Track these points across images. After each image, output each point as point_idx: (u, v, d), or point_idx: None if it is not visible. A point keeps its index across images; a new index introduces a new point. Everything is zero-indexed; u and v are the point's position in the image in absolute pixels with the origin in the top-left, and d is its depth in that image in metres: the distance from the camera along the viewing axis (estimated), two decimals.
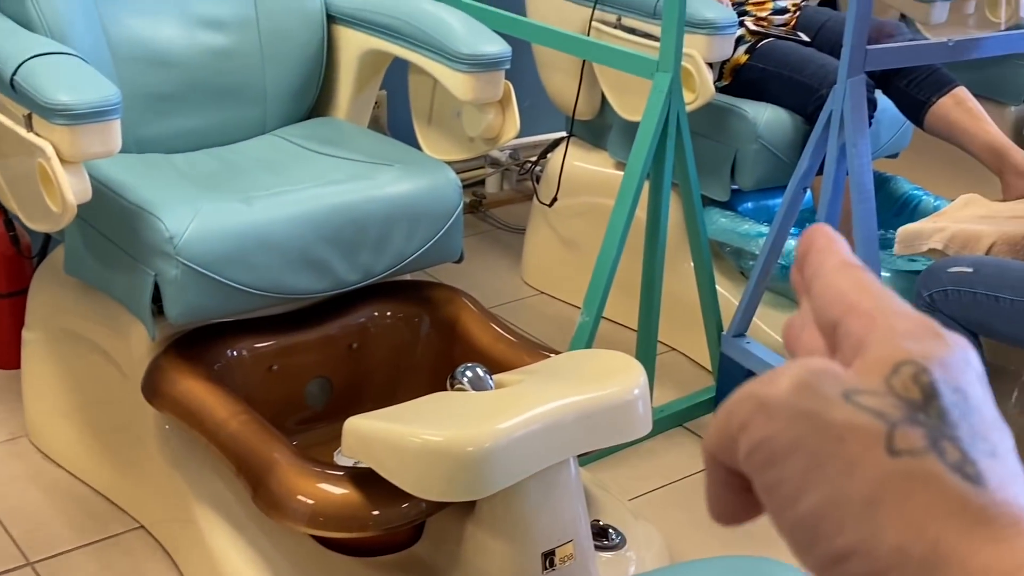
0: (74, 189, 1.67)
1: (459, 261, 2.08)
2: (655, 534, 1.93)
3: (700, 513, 2.16)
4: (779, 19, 2.68)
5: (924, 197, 2.71)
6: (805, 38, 2.65)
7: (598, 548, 1.79)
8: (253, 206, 1.83)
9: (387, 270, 1.96)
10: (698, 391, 2.48)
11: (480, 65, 2.00)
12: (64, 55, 1.77)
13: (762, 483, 0.36)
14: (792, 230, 2.28)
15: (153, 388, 1.82)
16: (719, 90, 2.50)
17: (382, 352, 2.03)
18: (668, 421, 2.37)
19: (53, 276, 2.12)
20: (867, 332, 0.37)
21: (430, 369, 2.01)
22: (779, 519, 0.36)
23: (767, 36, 2.60)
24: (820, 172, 2.13)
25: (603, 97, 2.67)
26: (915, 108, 2.59)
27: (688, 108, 2.25)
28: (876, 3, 2.24)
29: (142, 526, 2.03)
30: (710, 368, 2.51)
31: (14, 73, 1.71)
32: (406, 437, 1.53)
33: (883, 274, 2.30)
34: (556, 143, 2.97)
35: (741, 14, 2.60)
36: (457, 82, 2.02)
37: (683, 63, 2.19)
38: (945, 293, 1.91)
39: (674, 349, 2.67)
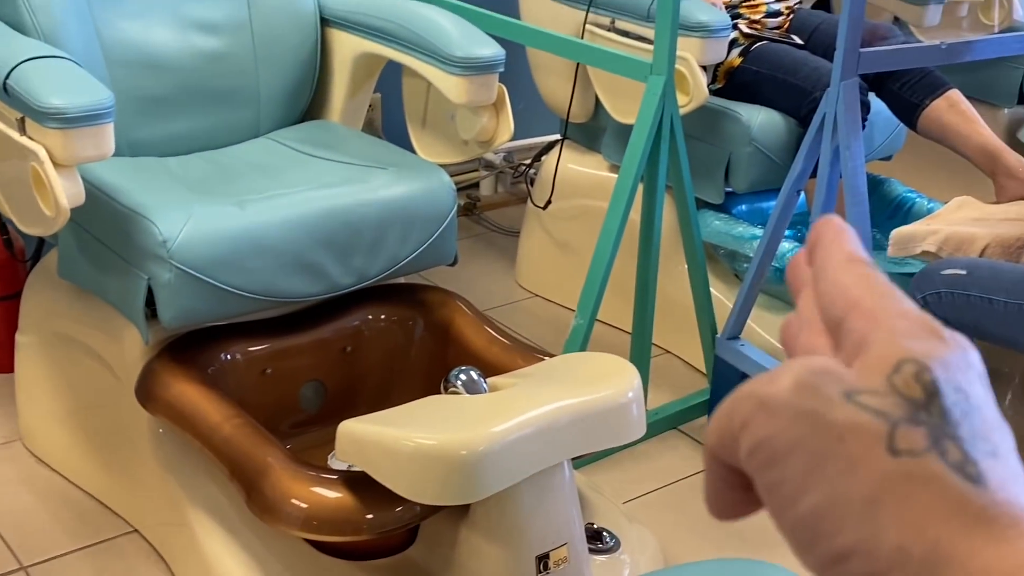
0: (67, 193, 1.66)
1: (453, 264, 2.08)
2: (649, 537, 1.93)
3: (694, 516, 2.18)
4: (772, 22, 2.68)
5: (918, 200, 2.71)
6: (799, 41, 2.66)
7: (592, 551, 1.79)
8: (247, 209, 1.83)
9: (381, 273, 1.96)
10: (692, 393, 2.48)
11: (474, 68, 2.00)
12: (57, 58, 1.77)
13: (763, 482, 0.36)
14: (786, 232, 2.28)
15: (147, 392, 1.82)
16: (713, 93, 2.50)
17: (376, 355, 2.03)
18: (662, 424, 2.37)
19: (47, 280, 2.11)
20: (869, 331, 0.37)
21: (424, 372, 2.01)
22: (780, 518, 0.36)
23: (761, 39, 2.60)
24: (814, 175, 2.13)
25: (597, 100, 2.67)
26: (908, 111, 2.59)
27: (682, 111, 2.26)
28: (869, 6, 2.24)
29: (136, 530, 2.03)
30: (704, 371, 2.51)
31: (7, 77, 1.71)
32: (400, 441, 1.53)
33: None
34: (550, 146, 2.97)
35: (735, 17, 2.60)
36: (451, 85, 2.02)
37: (677, 66, 2.20)
38: (939, 295, 1.91)
39: (668, 352, 2.67)
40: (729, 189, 2.56)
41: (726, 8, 2.59)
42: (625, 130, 2.33)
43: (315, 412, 2.00)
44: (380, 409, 1.67)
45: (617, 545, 1.86)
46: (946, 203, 2.40)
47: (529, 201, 2.93)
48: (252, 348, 1.91)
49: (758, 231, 2.43)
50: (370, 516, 1.57)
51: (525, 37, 2.50)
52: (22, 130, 1.70)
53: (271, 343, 1.93)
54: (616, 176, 2.21)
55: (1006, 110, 3.20)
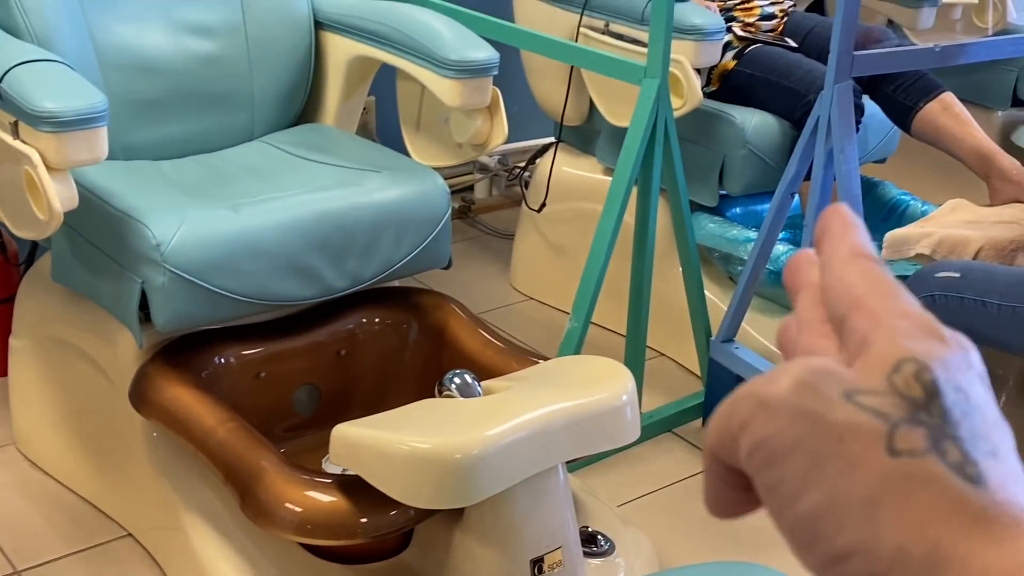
0: (60, 196, 1.66)
1: (448, 267, 2.07)
2: (644, 540, 1.93)
3: (689, 519, 2.18)
4: (766, 25, 2.69)
5: (911, 202, 2.71)
6: (792, 44, 2.66)
7: (587, 555, 1.79)
8: (241, 213, 1.83)
9: (375, 277, 1.96)
10: (687, 396, 2.48)
11: (468, 71, 2.00)
12: (50, 62, 1.76)
13: (762, 482, 0.36)
14: (780, 235, 2.28)
15: (141, 396, 1.81)
16: (707, 96, 2.50)
17: (370, 359, 2.03)
18: (657, 427, 2.37)
19: (40, 283, 2.11)
20: (871, 330, 0.37)
21: (418, 376, 2.00)
22: (779, 518, 0.36)
23: (755, 42, 2.61)
24: (808, 177, 2.13)
25: (591, 103, 2.67)
26: (902, 113, 2.60)
27: (676, 114, 2.26)
28: (863, 9, 2.24)
29: (130, 534, 2.02)
30: (699, 373, 2.51)
31: (0, 80, 1.70)
32: (394, 444, 1.53)
33: None
34: (545, 149, 2.97)
35: (729, 20, 2.61)
36: (445, 88, 2.02)
37: (671, 69, 2.20)
38: (932, 298, 1.91)
39: (663, 354, 2.67)
40: (723, 192, 2.56)
41: (720, 11, 2.59)
42: (619, 133, 2.33)
43: (309, 416, 1.99)
44: (374, 412, 1.67)
45: (612, 548, 1.86)
46: (940, 206, 2.41)
47: (523, 204, 2.93)
48: (246, 352, 1.91)
49: (752, 234, 2.43)
50: (364, 520, 1.57)
51: (519, 40, 2.50)
52: (15, 134, 1.70)
53: (265, 347, 1.93)
54: (610, 179, 2.21)
55: (1000, 113, 3.20)
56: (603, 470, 2.24)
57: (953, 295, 1.89)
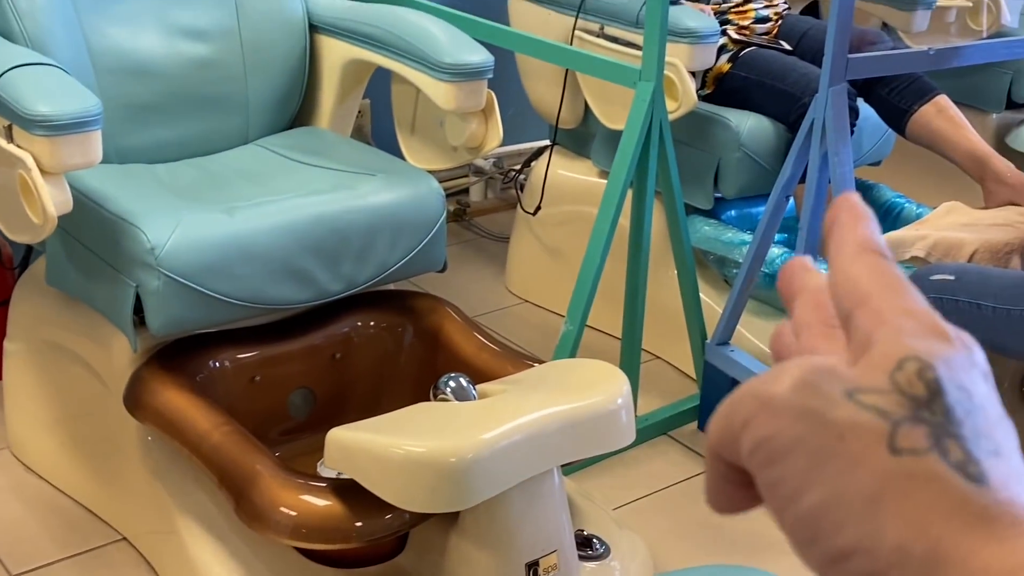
0: (55, 200, 1.66)
1: (443, 270, 2.07)
2: (639, 543, 1.93)
3: (685, 522, 2.17)
4: (761, 28, 2.69)
5: (906, 205, 2.72)
6: (787, 47, 2.66)
7: (582, 558, 1.79)
8: (235, 216, 1.83)
9: (370, 280, 1.96)
10: (682, 399, 2.48)
11: (463, 74, 2.00)
12: (45, 66, 1.76)
13: (764, 481, 0.36)
14: (775, 238, 2.28)
15: (135, 400, 1.81)
16: (702, 99, 2.50)
17: (365, 362, 2.03)
18: (652, 430, 2.37)
19: (35, 287, 2.11)
20: (875, 328, 0.37)
21: (413, 379, 2.00)
22: (780, 517, 0.36)
23: (749, 45, 2.61)
24: (803, 180, 2.14)
25: (586, 106, 2.67)
26: (897, 116, 2.60)
27: (671, 117, 2.26)
28: (857, 11, 2.25)
29: (125, 538, 2.02)
30: (694, 376, 2.51)
31: None
32: (389, 448, 1.53)
33: None
34: (540, 151, 2.97)
35: (723, 23, 2.61)
36: (440, 91, 2.02)
37: (666, 72, 2.20)
38: (927, 301, 1.91)
39: (658, 357, 2.67)
40: (718, 195, 2.56)
41: (714, 14, 2.59)
42: (614, 136, 2.33)
43: (304, 419, 1.99)
44: (369, 416, 1.67)
45: (607, 552, 1.85)
46: (935, 208, 2.41)
47: (519, 207, 2.93)
48: (241, 355, 1.91)
49: (747, 237, 2.43)
50: (359, 524, 1.56)
51: (514, 43, 2.50)
52: (9, 137, 1.70)
53: (260, 350, 1.93)
54: (605, 182, 2.21)
55: (994, 115, 3.21)
56: (598, 473, 2.24)
57: (948, 298, 1.89)
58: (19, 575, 1.95)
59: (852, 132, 2.35)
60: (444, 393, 1.69)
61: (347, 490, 1.57)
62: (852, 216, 0.40)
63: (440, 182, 2.05)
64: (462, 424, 1.58)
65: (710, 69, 2.52)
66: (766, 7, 2.72)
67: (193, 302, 1.76)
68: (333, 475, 1.66)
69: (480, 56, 2.02)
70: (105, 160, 1.74)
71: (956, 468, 0.34)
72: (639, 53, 2.17)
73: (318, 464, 1.79)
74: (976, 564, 0.32)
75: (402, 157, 2.25)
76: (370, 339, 2.03)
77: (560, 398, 1.64)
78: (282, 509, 1.56)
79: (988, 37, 2.91)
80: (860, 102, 2.55)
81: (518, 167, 3.19)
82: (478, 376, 1.79)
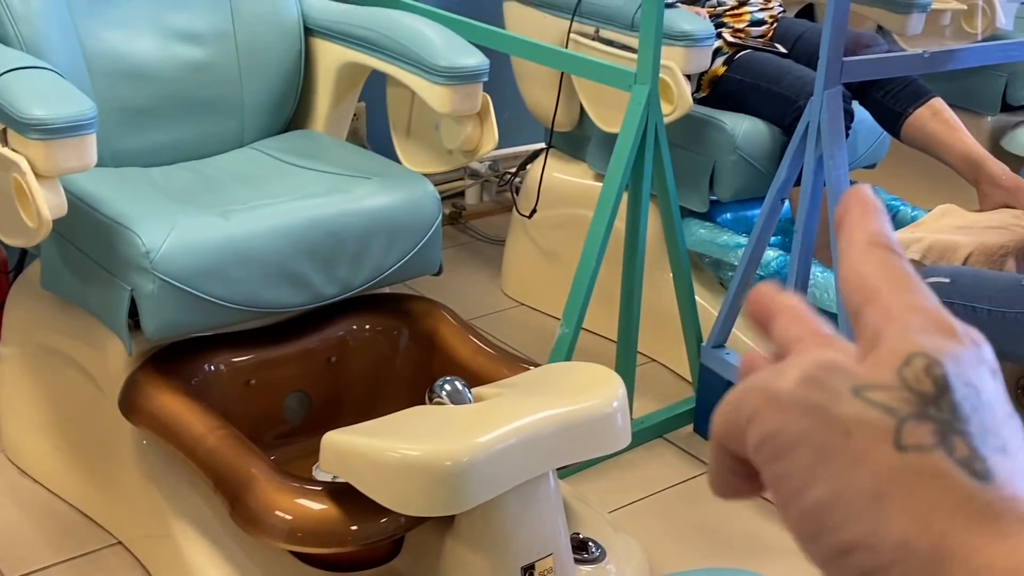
0: (50, 204, 1.66)
1: (438, 274, 2.07)
2: (635, 547, 1.93)
3: (681, 525, 2.17)
4: (756, 31, 2.69)
5: (901, 208, 2.72)
6: (782, 50, 2.66)
7: (578, 561, 1.79)
8: (230, 220, 1.82)
9: (365, 283, 1.95)
10: (678, 402, 2.48)
11: (458, 78, 2.00)
12: (40, 69, 1.76)
13: (770, 475, 0.36)
14: (771, 240, 2.28)
15: (130, 403, 1.81)
16: (697, 102, 2.50)
17: (361, 366, 2.02)
18: (648, 433, 2.37)
19: (30, 291, 2.10)
20: (884, 325, 0.37)
21: (409, 382, 2.00)
22: (786, 510, 0.36)
23: (744, 48, 2.61)
24: (798, 183, 2.14)
25: (582, 109, 2.68)
26: (892, 119, 2.60)
27: (666, 120, 2.26)
28: (853, 15, 2.25)
29: (120, 542, 2.02)
30: (690, 379, 2.51)
31: None
32: (384, 452, 1.52)
33: None
34: (535, 155, 2.97)
35: (718, 26, 2.61)
36: (435, 95, 2.02)
37: (661, 75, 2.20)
38: None
39: (654, 360, 2.67)
40: (714, 197, 2.57)
41: (710, 17, 2.59)
42: (610, 139, 2.33)
43: (299, 423, 1.99)
44: (365, 419, 1.67)
45: (603, 555, 1.85)
46: (930, 211, 2.41)
47: (514, 210, 2.93)
48: (236, 359, 1.91)
49: (743, 239, 2.43)
50: (355, 528, 1.56)
51: (509, 46, 2.50)
52: (3, 141, 1.70)
53: (255, 354, 1.93)
54: (601, 185, 2.21)
55: (989, 118, 3.21)
56: (594, 476, 2.24)
57: (943, 300, 1.88)
58: None
59: (847, 135, 2.36)
60: (439, 396, 1.69)
61: (342, 494, 1.57)
62: (862, 210, 0.40)
63: (436, 185, 2.05)
64: (458, 428, 1.58)
65: (705, 72, 2.53)
66: (761, 10, 2.72)
67: (188, 306, 1.76)
68: (328, 479, 1.65)
69: (475, 59, 2.02)
70: (100, 163, 1.74)
71: (961, 465, 0.34)
72: (634, 56, 2.18)
73: (313, 468, 1.79)
74: (980, 561, 0.32)
75: (398, 160, 2.25)
76: (365, 342, 2.03)
77: (556, 401, 1.64)
78: (277, 513, 1.56)
79: (983, 40, 2.91)
80: (855, 105, 2.55)
81: (514, 170, 3.19)
82: (473, 379, 1.79)
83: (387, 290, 2.10)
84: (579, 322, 2.19)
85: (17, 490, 2.16)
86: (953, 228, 2.26)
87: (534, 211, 2.80)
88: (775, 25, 2.74)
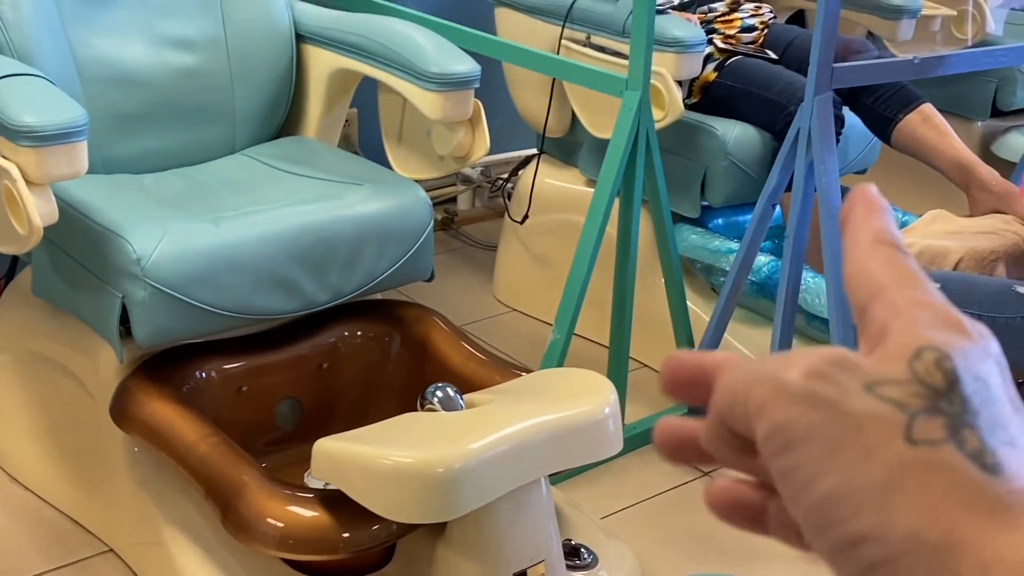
0: (40, 211, 1.65)
1: (430, 280, 2.07)
2: (628, 553, 1.93)
3: (673, 531, 2.16)
4: (747, 37, 2.70)
5: (892, 213, 2.72)
6: (773, 56, 2.67)
7: (570, 568, 1.79)
8: (222, 226, 1.82)
9: (357, 290, 1.95)
10: (670, 408, 2.47)
11: (449, 84, 2.00)
12: (31, 76, 1.76)
13: (778, 467, 0.36)
14: (762, 245, 2.29)
15: (121, 410, 1.80)
16: (688, 107, 2.51)
17: (352, 372, 2.02)
18: (640, 438, 2.37)
19: (21, 298, 2.10)
20: (891, 320, 0.37)
21: (401, 389, 2.00)
22: (794, 503, 0.36)
23: (735, 54, 2.62)
24: (789, 188, 2.14)
25: (573, 115, 2.68)
26: (882, 125, 2.61)
27: (657, 125, 2.26)
28: (843, 20, 2.25)
29: (111, 549, 2.01)
30: None
31: None
32: (376, 459, 1.52)
33: None
34: (527, 160, 2.97)
35: (709, 32, 2.61)
36: (426, 101, 2.02)
37: (652, 81, 2.20)
38: None
39: (646, 365, 2.67)
40: (705, 203, 2.57)
41: (701, 23, 2.60)
42: (601, 145, 2.33)
43: (291, 429, 1.99)
44: (357, 426, 1.67)
45: (595, 561, 1.85)
46: (920, 216, 2.42)
47: (506, 215, 2.93)
48: (227, 366, 1.90)
49: (734, 245, 2.43)
50: (346, 535, 1.56)
51: (501, 53, 2.51)
52: None
53: (247, 360, 1.92)
54: (593, 190, 2.22)
55: (979, 123, 3.22)
56: (586, 482, 2.24)
57: None
58: None
59: (838, 141, 2.36)
60: (431, 403, 1.69)
61: (334, 501, 1.57)
62: (867, 208, 0.41)
63: (427, 191, 2.05)
64: (449, 434, 1.58)
65: (696, 78, 2.53)
66: (752, 16, 2.72)
67: (179, 312, 1.76)
68: (320, 486, 1.65)
69: (467, 65, 2.02)
70: (91, 170, 1.74)
71: (971, 458, 0.34)
72: (626, 62, 2.18)
73: (305, 475, 1.79)
74: (989, 553, 0.32)
75: (389, 166, 2.25)
76: (357, 349, 2.03)
77: (547, 408, 1.64)
78: (269, 520, 1.56)
79: (973, 46, 2.92)
80: (845, 111, 2.56)
81: (505, 176, 3.20)
82: (465, 386, 1.79)
83: (379, 296, 2.10)
84: (571, 328, 2.19)
85: (8, 497, 2.15)
86: (943, 233, 2.26)
87: (526, 217, 2.81)
88: (766, 31, 2.74)
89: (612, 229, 2.24)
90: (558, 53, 2.55)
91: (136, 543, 1.93)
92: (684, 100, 2.39)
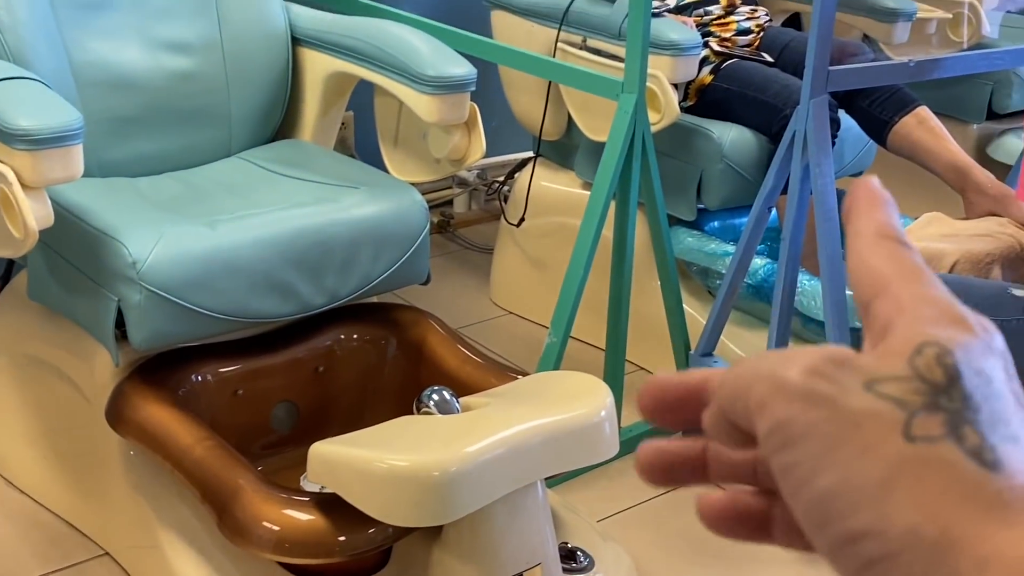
0: (36, 215, 1.65)
1: (426, 283, 2.07)
2: (624, 556, 1.93)
3: (669, 534, 2.16)
4: (743, 40, 2.70)
5: (894, 205, 2.72)
6: (769, 59, 2.67)
7: (567, 571, 1.79)
8: (217, 230, 1.82)
9: (353, 293, 1.95)
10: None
11: (445, 87, 2.00)
12: (26, 80, 1.76)
13: (778, 464, 0.37)
14: (758, 248, 2.29)
15: (117, 414, 1.80)
16: (684, 110, 2.51)
17: (348, 375, 2.02)
18: (636, 441, 2.36)
19: (16, 301, 2.10)
20: (894, 316, 0.37)
21: (397, 392, 2.00)
22: (793, 499, 0.36)
23: (731, 57, 2.62)
24: (785, 191, 2.14)
25: (569, 118, 2.68)
26: (878, 127, 2.61)
27: (653, 128, 2.26)
28: (838, 23, 2.26)
29: (107, 553, 2.01)
30: None
31: None
32: (372, 462, 1.52)
33: (848, 292, 2.31)
34: (523, 163, 2.97)
35: (705, 35, 2.62)
36: (423, 104, 2.02)
37: (648, 84, 2.20)
38: None
39: (642, 368, 2.67)
40: (701, 206, 2.57)
41: (697, 26, 2.60)
42: (597, 148, 2.33)
43: (287, 433, 1.99)
44: (353, 429, 1.67)
45: (592, 564, 1.85)
46: (916, 219, 2.42)
47: (503, 218, 2.93)
48: (223, 369, 1.90)
49: (730, 248, 2.43)
50: (342, 538, 1.56)
51: (497, 56, 2.51)
52: None
53: (243, 364, 1.92)
54: (589, 193, 2.22)
55: (975, 126, 3.23)
56: (582, 486, 2.24)
57: None
58: None
59: (833, 143, 2.36)
60: (427, 406, 1.69)
61: (330, 504, 1.57)
62: (870, 202, 0.41)
63: (424, 194, 2.05)
64: (445, 437, 1.58)
65: (692, 81, 2.53)
66: (748, 19, 2.73)
67: (175, 316, 1.75)
68: (316, 489, 1.65)
69: (463, 69, 2.02)
70: (87, 174, 1.73)
71: (971, 454, 0.34)
72: (621, 65, 2.18)
73: (301, 478, 1.78)
74: (987, 549, 0.32)
75: (385, 169, 2.25)
76: (353, 352, 2.02)
77: (543, 411, 1.64)
78: (265, 524, 1.55)
79: (968, 48, 2.92)
80: (841, 113, 2.56)
81: (502, 179, 3.20)
82: (461, 389, 1.79)
83: (375, 299, 2.10)
84: (567, 331, 2.19)
85: (3, 501, 2.15)
86: (939, 236, 2.27)
87: (522, 220, 2.81)
88: (761, 34, 2.75)
89: (608, 232, 2.24)
90: (554, 56, 2.55)
91: (132, 546, 1.93)
92: (680, 103, 2.39)
